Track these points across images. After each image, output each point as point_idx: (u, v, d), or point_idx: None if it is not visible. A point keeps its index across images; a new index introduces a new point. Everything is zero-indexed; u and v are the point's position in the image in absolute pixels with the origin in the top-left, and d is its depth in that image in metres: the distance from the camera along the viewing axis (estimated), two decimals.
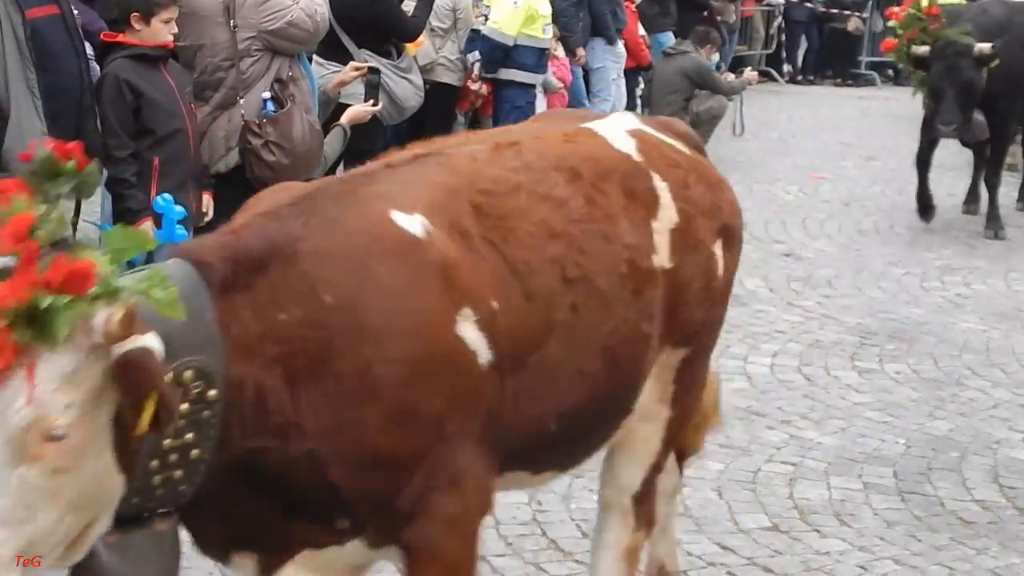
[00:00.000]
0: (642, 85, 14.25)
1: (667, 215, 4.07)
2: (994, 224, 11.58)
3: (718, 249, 4.23)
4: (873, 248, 10.93)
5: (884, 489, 6.28)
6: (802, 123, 17.81)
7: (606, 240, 3.85)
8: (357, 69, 8.35)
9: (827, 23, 22.43)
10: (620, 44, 13.31)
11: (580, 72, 12.79)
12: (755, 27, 21.71)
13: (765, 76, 20.89)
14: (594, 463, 4.51)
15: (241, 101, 7.14)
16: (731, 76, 16.06)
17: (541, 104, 11.28)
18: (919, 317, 9.12)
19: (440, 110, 10.95)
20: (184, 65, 7.15)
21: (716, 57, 16.22)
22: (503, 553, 5.46)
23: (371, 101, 8.23)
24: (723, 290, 4.33)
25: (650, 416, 4.24)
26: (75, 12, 6.39)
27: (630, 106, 13.81)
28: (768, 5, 21.79)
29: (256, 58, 7.14)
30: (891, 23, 11.99)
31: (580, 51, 12.64)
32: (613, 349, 3.84)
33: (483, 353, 3.47)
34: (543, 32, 10.70)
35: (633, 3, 13.94)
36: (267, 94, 7.12)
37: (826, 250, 10.87)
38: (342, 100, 8.42)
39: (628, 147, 4.16)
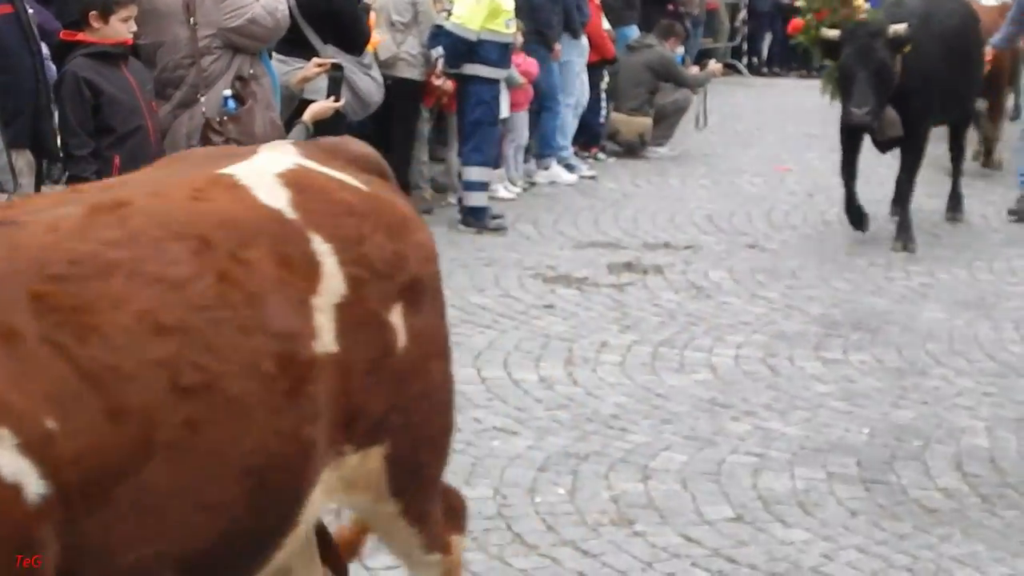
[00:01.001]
0: (607, 79, 14.26)
1: (332, 287, 3.21)
2: (903, 236, 10.83)
3: (396, 317, 3.37)
4: (837, 239, 10.97)
5: (848, 478, 6.29)
6: (767, 115, 17.87)
7: (245, 331, 3.00)
8: (320, 65, 8.34)
9: (792, 15, 22.46)
10: (584, 38, 13.31)
11: (556, 67, 12.80)
12: (720, 20, 21.78)
13: (730, 68, 20.96)
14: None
15: (202, 99, 7.15)
16: (696, 69, 16.12)
17: (505, 98, 11.30)
18: (883, 307, 9.16)
19: (404, 106, 10.97)
20: (145, 63, 7.16)
21: (681, 50, 16.27)
22: (467, 548, 5.45)
23: (333, 97, 8.24)
24: (412, 364, 3.43)
25: (379, 516, 3.65)
26: (30, 12, 6.38)
27: (594, 100, 13.82)
28: None
29: (217, 56, 7.14)
30: (800, 2, 11.15)
31: (557, 46, 12.66)
32: (259, 470, 3.01)
33: (32, 485, 2.61)
34: (506, 27, 10.70)
35: None
36: (228, 92, 7.13)
37: (791, 241, 10.91)
38: (305, 96, 8.42)
39: (280, 200, 3.23)
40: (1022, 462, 6.59)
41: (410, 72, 10.81)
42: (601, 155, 14.20)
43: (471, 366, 7.59)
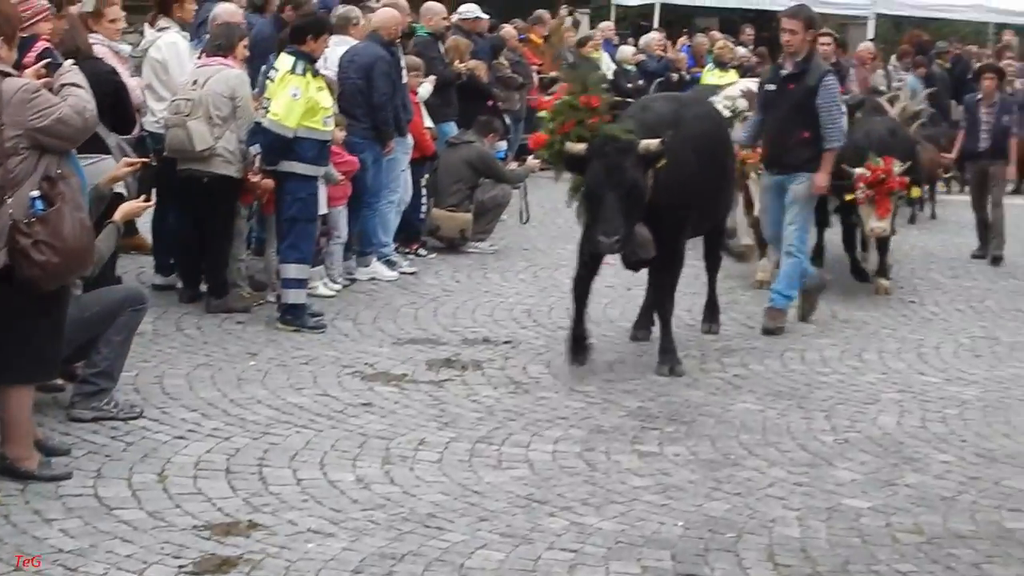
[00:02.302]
0: (427, 176, 14.33)
1: None
2: (668, 359, 9.96)
3: None
4: (654, 332, 11.08)
5: (662, 572, 6.35)
6: None
7: None
8: (130, 164, 8.26)
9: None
10: (409, 135, 13.38)
11: (383, 164, 12.80)
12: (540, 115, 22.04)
13: (549, 163, 21.17)
14: None
15: (9, 200, 6.98)
16: (515, 164, 16.27)
17: (323, 195, 11.29)
18: (698, 399, 9.29)
19: (221, 203, 10.89)
20: None
21: (503, 145, 16.43)
22: None
23: (144, 196, 8.15)
24: None
25: None
26: None
27: (415, 196, 13.87)
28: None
29: (23, 156, 6.98)
30: (541, 113, 10.01)
31: (392, 143, 12.70)
32: None
33: None
34: (324, 124, 10.70)
35: (417, 95, 14.03)
36: (35, 192, 6.96)
37: (608, 335, 11.01)
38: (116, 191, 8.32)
39: None
40: (832, 551, 6.73)
41: (227, 169, 10.74)
42: (422, 251, 14.24)
43: (287, 467, 7.52)
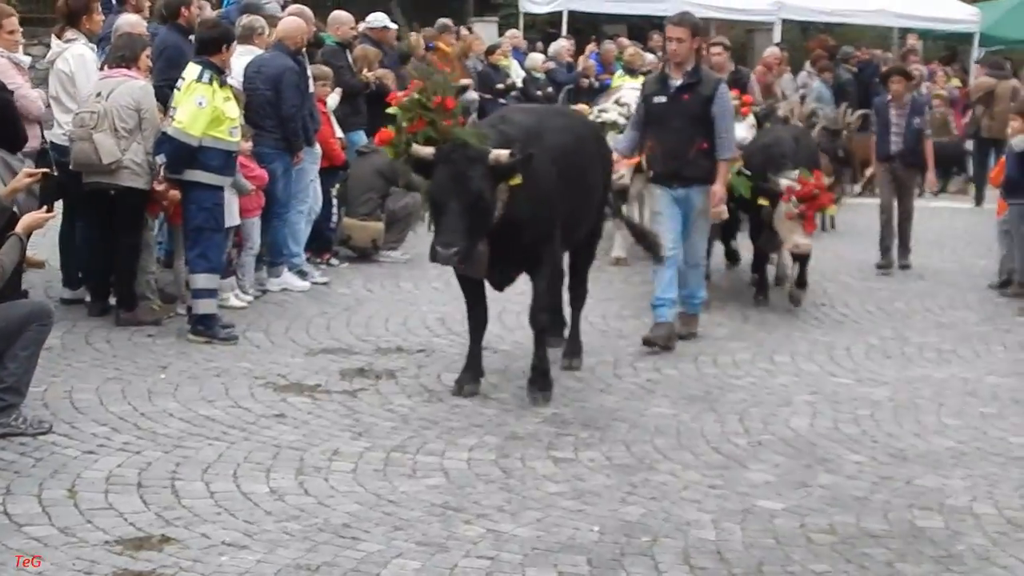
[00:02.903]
0: (337, 185, 14.26)
1: None
2: (538, 378, 9.46)
3: None
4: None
5: None
6: None
7: None
8: (31, 175, 8.14)
9: None
10: (317, 145, 13.30)
11: (293, 174, 12.72)
12: None
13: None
14: None
15: None
16: None
17: (234, 206, 11.20)
18: (612, 404, 9.31)
19: (129, 216, 10.76)
20: None
21: None
22: None
23: (46, 208, 8.04)
24: None
25: None
26: None
27: (326, 206, 13.80)
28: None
29: None
30: (391, 109, 9.42)
31: (301, 154, 12.62)
32: None
33: None
34: (230, 135, 10.61)
35: (325, 104, 13.96)
36: None
37: (522, 343, 10.97)
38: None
39: None
40: (747, 553, 6.76)
41: (134, 181, 10.61)
42: (334, 261, 14.17)
43: (200, 480, 7.43)
